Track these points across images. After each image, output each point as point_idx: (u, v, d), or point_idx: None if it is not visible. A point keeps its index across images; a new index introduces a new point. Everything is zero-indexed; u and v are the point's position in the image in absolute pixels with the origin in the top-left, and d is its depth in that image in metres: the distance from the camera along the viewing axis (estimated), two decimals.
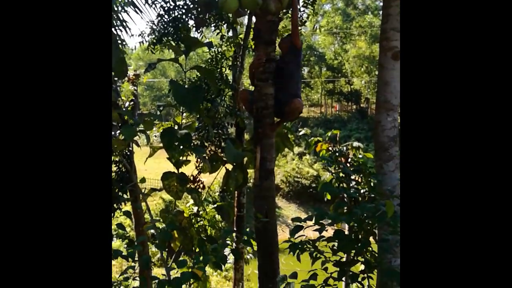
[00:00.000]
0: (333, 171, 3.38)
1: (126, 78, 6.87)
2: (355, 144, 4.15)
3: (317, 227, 1.73)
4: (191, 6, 5.24)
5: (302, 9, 6.27)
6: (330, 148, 4.27)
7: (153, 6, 5.38)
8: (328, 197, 3.71)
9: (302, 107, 3.07)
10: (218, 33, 6.17)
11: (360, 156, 3.98)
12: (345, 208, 2.31)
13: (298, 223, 1.78)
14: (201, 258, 1.90)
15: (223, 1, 2.76)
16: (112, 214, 6.20)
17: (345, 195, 3.13)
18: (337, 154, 3.95)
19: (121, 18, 3.67)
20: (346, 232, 2.38)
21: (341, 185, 3.33)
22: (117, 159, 6.15)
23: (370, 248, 2.08)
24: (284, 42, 3.14)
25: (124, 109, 6.09)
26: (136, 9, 3.44)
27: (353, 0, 31.19)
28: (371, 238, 2.31)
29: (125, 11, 3.61)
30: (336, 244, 1.80)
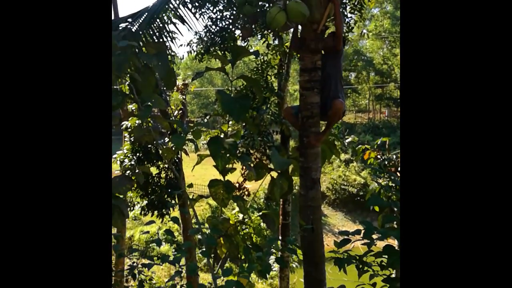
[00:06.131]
0: (381, 182, 3.26)
1: (175, 88, 7.13)
2: None
3: (365, 241, 1.67)
4: (238, 16, 5.34)
5: (349, 15, 6.17)
6: (378, 156, 4.13)
7: (201, 17, 5.55)
8: (376, 208, 3.59)
9: (343, 107, 2.97)
10: (264, 42, 6.22)
11: None
12: (395, 222, 2.22)
13: (346, 237, 1.73)
14: (245, 266, 1.90)
15: (272, 18, 2.79)
16: (161, 219, 6.42)
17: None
18: (386, 162, 3.81)
19: (168, 30, 3.81)
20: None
21: (389, 195, 3.20)
22: (166, 166, 6.38)
23: None
24: (323, 42, 3.01)
25: (173, 118, 6.33)
26: (184, 22, 3.55)
27: None
28: None
29: (173, 23, 3.74)
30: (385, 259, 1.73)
